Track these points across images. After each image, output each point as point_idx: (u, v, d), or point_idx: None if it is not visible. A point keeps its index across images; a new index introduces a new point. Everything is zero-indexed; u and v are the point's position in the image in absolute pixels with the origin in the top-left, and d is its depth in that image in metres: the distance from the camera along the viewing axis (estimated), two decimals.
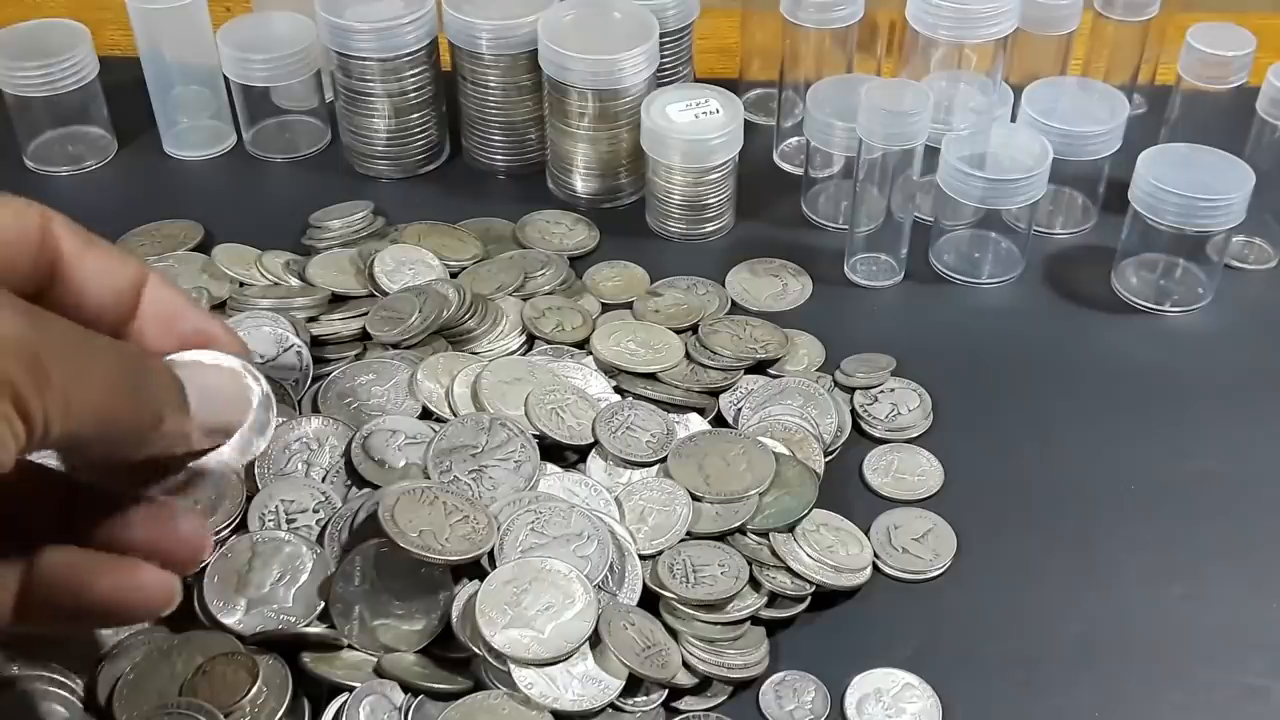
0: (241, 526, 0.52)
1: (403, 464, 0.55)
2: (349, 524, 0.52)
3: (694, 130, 0.68)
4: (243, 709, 0.46)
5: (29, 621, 0.39)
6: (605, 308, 0.66)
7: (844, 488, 0.58)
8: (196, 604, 0.49)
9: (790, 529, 0.54)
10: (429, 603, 0.49)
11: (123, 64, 0.78)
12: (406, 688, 0.48)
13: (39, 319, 0.35)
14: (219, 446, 0.41)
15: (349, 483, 0.54)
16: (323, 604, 0.49)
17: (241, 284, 0.65)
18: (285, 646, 0.48)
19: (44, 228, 0.39)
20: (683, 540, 0.53)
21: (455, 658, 0.49)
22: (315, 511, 0.53)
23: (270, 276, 0.66)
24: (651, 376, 0.61)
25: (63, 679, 0.47)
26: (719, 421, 0.60)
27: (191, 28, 0.75)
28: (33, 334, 0.34)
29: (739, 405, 0.60)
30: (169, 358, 0.41)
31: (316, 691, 0.48)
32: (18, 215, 0.39)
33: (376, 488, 0.53)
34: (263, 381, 0.42)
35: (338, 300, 0.64)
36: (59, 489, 0.40)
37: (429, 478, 0.53)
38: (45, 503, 0.40)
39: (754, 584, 0.52)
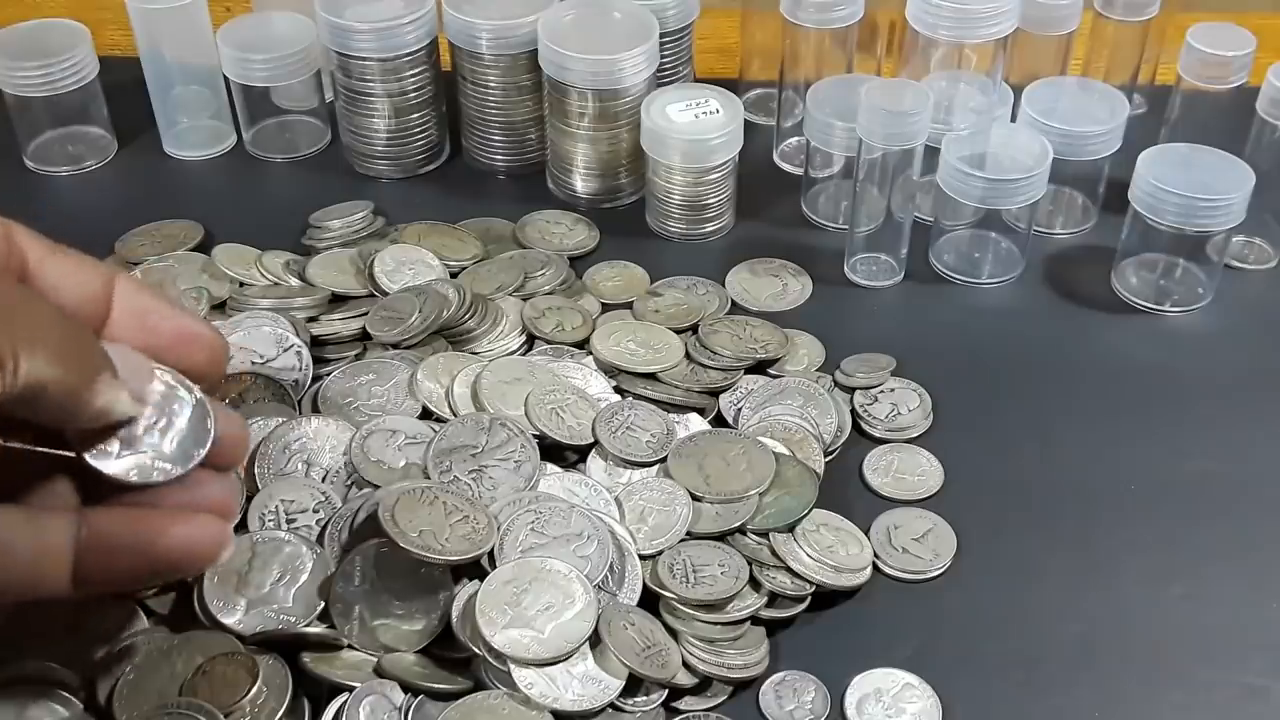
0: (241, 526, 0.52)
1: (403, 464, 0.55)
2: (349, 524, 0.52)
3: (694, 130, 0.68)
4: (243, 709, 0.46)
5: (89, 585, 0.40)
6: (605, 308, 0.66)
7: (844, 488, 0.58)
8: (196, 604, 0.49)
9: (790, 529, 0.54)
10: (429, 603, 0.49)
11: (123, 64, 0.78)
12: (406, 688, 0.48)
13: None
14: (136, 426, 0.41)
15: (349, 483, 0.54)
16: (323, 604, 0.49)
17: (241, 284, 0.65)
18: (285, 646, 0.48)
19: (6, 237, 0.40)
20: (683, 540, 0.53)
21: (455, 658, 0.49)
22: (315, 511, 0.53)
23: (270, 276, 0.66)
24: (651, 376, 0.61)
25: (63, 679, 0.47)
26: (719, 421, 0.60)
27: (191, 28, 0.75)
28: None
29: (739, 405, 0.60)
30: None
31: (316, 691, 0.48)
32: None
33: (376, 488, 0.53)
34: (196, 391, 0.43)
35: (338, 300, 0.64)
36: (79, 470, 0.41)
37: (429, 478, 0.53)
38: (68, 482, 0.41)
39: (754, 584, 0.52)
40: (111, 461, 0.41)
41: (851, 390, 0.62)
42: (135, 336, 0.42)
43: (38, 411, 0.38)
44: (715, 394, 0.60)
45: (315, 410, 0.58)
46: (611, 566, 0.51)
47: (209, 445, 0.43)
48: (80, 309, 0.41)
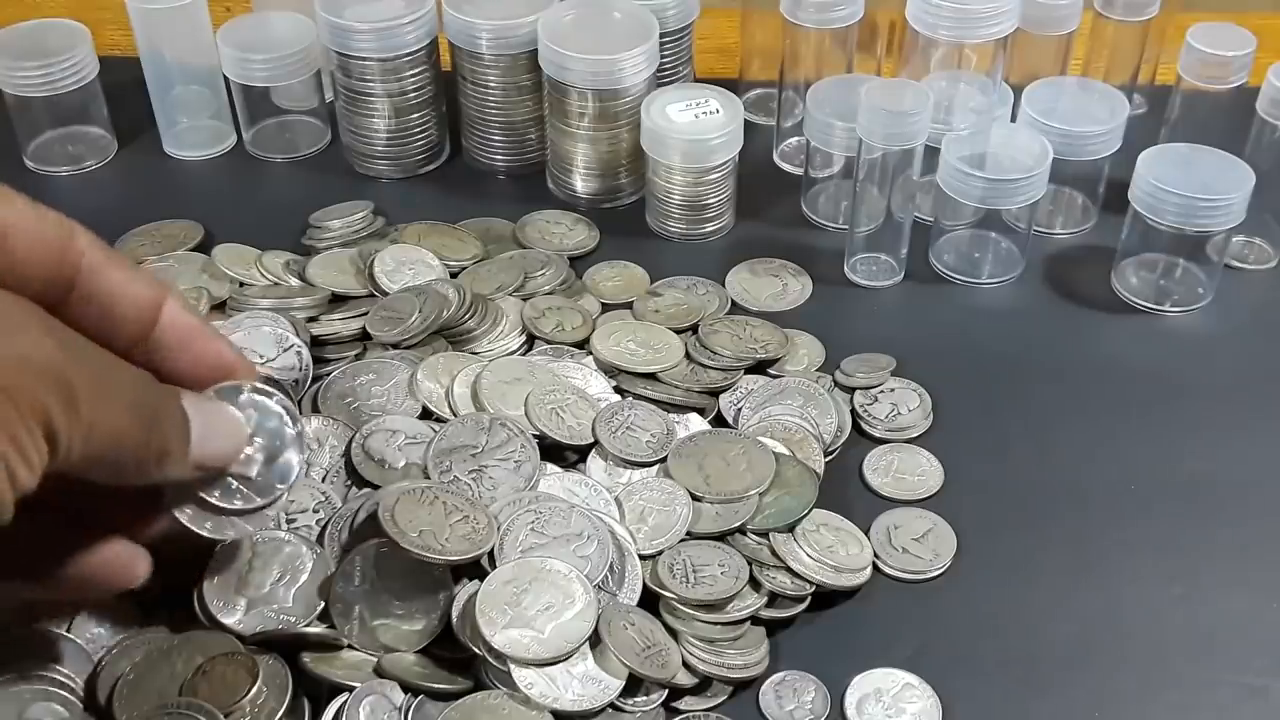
0: None
1: (403, 464, 0.55)
2: (349, 524, 0.52)
3: (694, 130, 0.68)
4: (243, 709, 0.46)
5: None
6: (605, 308, 0.66)
7: (844, 488, 0.58)
8: (196, 604, 0.49)
9: (790, 529, 0.54)
10: (429, 603, 0.49)
11: (123, 64, 0.78)
12: (406, 688, 0.48)
13: (70, 342, 0.36)
14: (210, 481, 0.43)
15: (349, 483, 0.54)
16: (323, 604, 0.49)
17: (241, 284, 0.65)
18: (285, 646, 0.48)
19: (66, 237, 0.40)
20: (683, 540, 0.53)
21: (455, 658, 0.49)
22: (315, 511, 0.53)
23: (270, 276, 0.66)
24: (651, 376, 0.61)
25: (63, 679, 0.47)
26: (719, 421, 0.60)
27: (191, 28, 0.75)
28: (65, 359, 0.35)
29: (739, 405, 0.60)
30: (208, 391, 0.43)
31: (316, 691, 0.48)
32: (42, 221, 0.39)
33: (376, 488, 0.53)
34: (300, 423, 0.45)
35: (338, 300, 0.64)
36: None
37: (429, 478, 0.53)
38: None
39: (754, 584, 0.52)
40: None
41: (851, 390, 0.62)
42: (175, 358, 0.43)
43: (93, 476, 0.38)
44: (715, 394, 0.60)
45: (315, 410, 0.58)
46: (611, 566, 0.51)
47: (294, 479, 0.45)
48: (125, 323, 0.41)
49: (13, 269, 0.38)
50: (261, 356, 0.59)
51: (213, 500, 0.43)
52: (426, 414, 0.57)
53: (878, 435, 0.60)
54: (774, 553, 0.53)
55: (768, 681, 0.50)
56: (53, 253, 0.39)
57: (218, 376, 0.44)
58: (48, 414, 0.34)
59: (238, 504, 0.44)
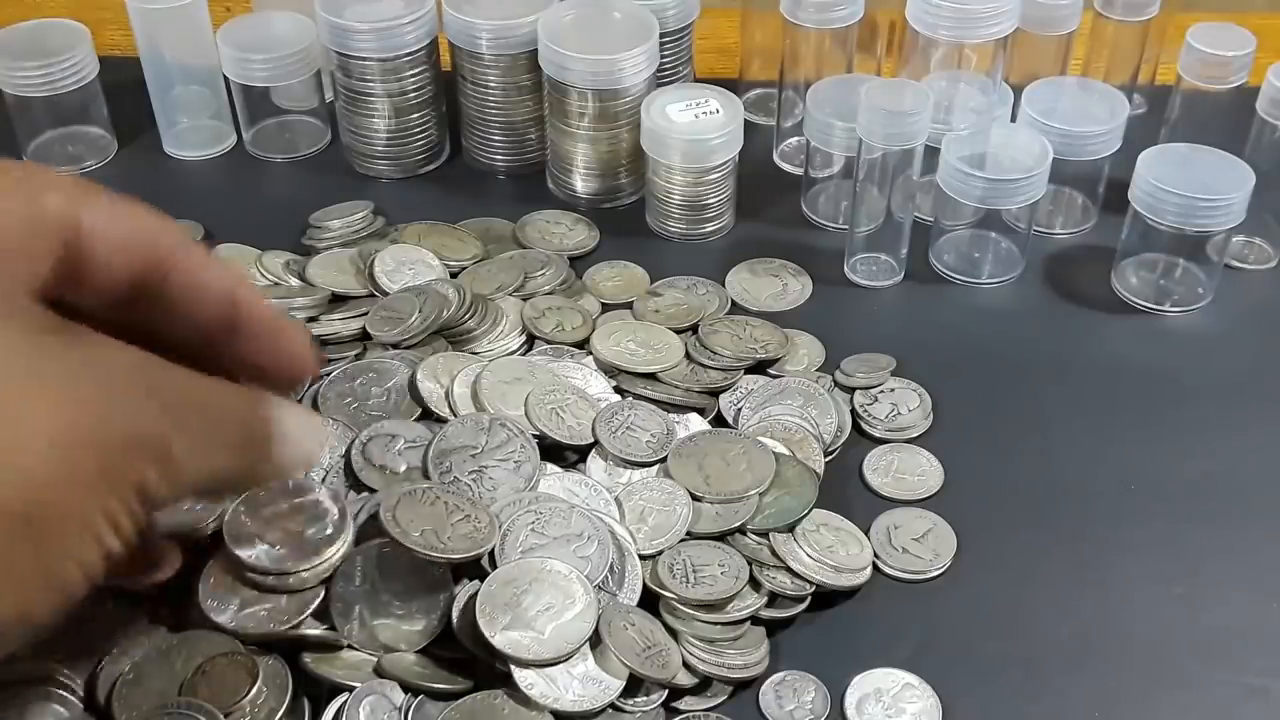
0: None
1: (403, 469, 0.54)
2: None
3: (694, 130, 0.68)
4: (243, 709, 0.46)
5: None
6: (605, 308, 0.66)
7: (844, 488, 0.58)
8: (197, 604, 0.49)
9: (790, 529, 0.54)
10: (429, 603, 0.49)
11: (123, 64, 0.78)
12: (406, 688, 0.48)
13: (172, 399, 0.36)
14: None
15: (349, 483, 0.54)
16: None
17: None
18: (285, 646, 0.48)
19: (152, 237, 0.40)
20: (683, 540, 0.53)
21: (455, 658, 0.49)
22: None
23: (270, 276, 0.66)
24: (651, 376, 0.61)
25: (63, 679, 0.47)
26: (719, 421, 0.60)
27: (191, 28, 0.75)
28: (166, 425, 0.36)
29: (739, 405, 0.60)
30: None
31: (316, 691, 0.48)
32: (126, 220, 0.39)
33: (375, 492, 0.53)
34: (342, 499, 0.49)
35: (338, 300, 0.64)
36: None
37: (429, 478, 0.53)
38: None
39: (754, 584, 0.52)
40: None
41: (851, 390, 0.62)
42: (255, 349, 0.42)
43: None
44: (715, 394, 0.60)
45: (315, 410, 0.58)
46: (611, 567, 0.51)
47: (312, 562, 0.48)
48: (213, 320, 0.41)
49: (95, 275, 0.38)
50: None
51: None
52: (426, 414, 0.57)
53: (878, 435, 0.60)
54: (774, 553, 0.53)
55: (768, 681, 0.50)
56: (135, 255, 0.39)
57: (293, 367, 0.43)
58: (145, 485, 0.35)
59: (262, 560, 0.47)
